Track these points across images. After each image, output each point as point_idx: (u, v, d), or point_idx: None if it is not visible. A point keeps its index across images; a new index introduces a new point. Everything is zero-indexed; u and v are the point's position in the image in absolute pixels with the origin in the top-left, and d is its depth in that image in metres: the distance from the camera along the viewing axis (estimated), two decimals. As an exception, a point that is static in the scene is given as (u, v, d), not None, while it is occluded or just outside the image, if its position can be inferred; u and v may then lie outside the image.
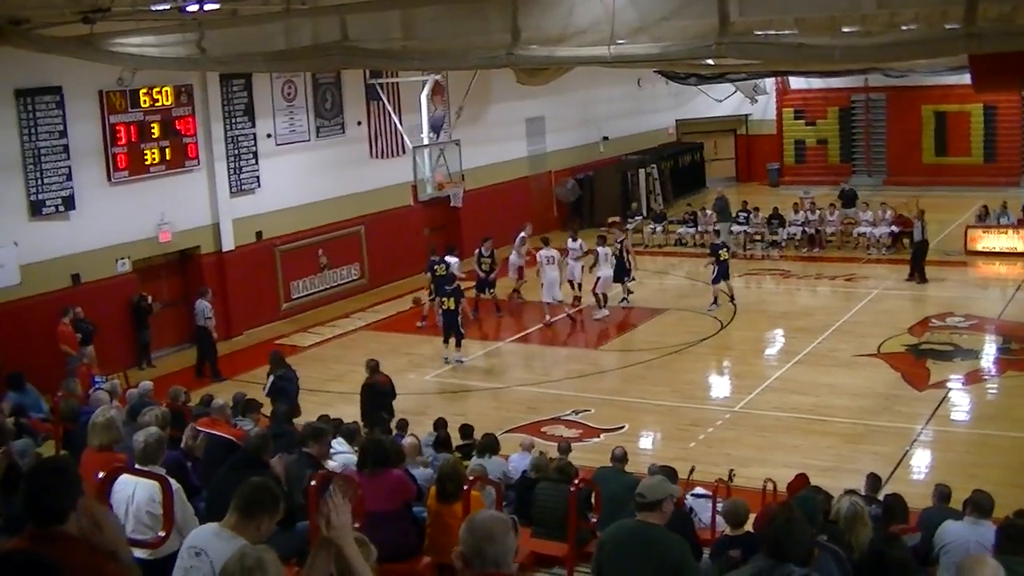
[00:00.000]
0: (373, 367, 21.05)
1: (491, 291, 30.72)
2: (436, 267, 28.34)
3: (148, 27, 20.63)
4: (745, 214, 38.99)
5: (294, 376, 20.77)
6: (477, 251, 30.78)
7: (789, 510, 6.62)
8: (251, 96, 30.08)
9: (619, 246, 30.55)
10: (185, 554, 6.44)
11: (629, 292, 30.96)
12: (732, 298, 30.48)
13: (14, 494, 9.02)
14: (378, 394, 20.60)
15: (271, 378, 20.43)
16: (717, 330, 28.30)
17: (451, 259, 29.55)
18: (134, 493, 8.15)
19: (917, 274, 32.10)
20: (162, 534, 7.33)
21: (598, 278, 29.96)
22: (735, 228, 38.35)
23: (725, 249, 31.29)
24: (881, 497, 14.42)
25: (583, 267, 31.20)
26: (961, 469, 18.37)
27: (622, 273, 30.53)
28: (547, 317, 29.43)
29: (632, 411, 22.95)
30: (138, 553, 6.99)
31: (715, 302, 30.22)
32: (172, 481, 8.22)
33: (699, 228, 39.19)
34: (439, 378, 25.69)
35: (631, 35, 15.53)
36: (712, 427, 21.75)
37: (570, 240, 31.96)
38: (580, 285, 31.07)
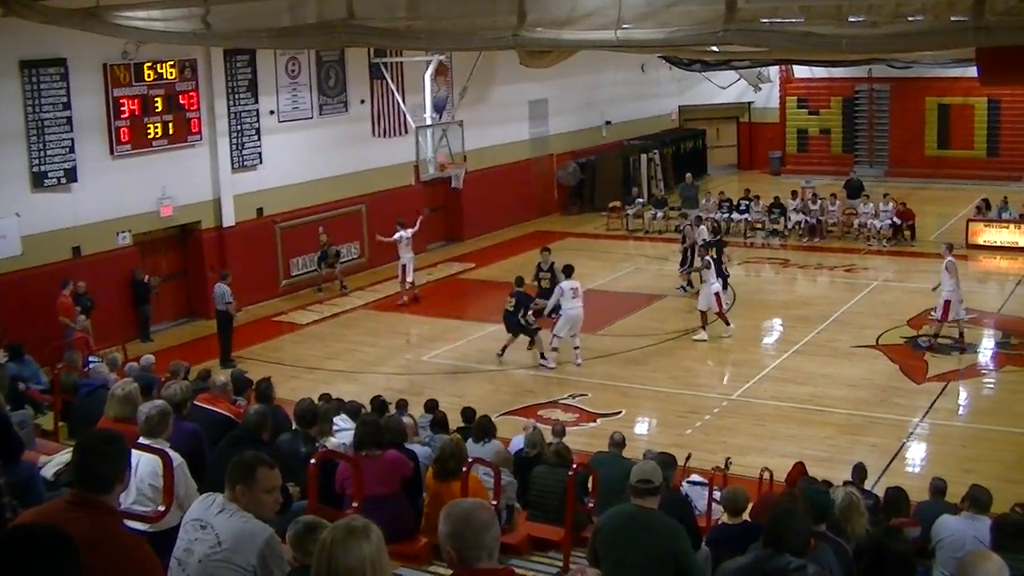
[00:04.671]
0: None
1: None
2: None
3: (154, 0, 20.58)
4: (746, 202, 38.88)
5: None
6: (537, 264, 27.07)
7: (791, 500, 6.64)
8: (255, 72, 30.06)
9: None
10: (189, 526, 6.44)
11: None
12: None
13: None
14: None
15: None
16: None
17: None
18: (138, 465, 8.15)
19: None
20: (162, 508, 7.32)
21: (716, 294, 26.62)
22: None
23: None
24: (869, 487, 14.47)
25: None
26: (957, 463, 18.40)
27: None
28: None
29: (629, 396, 22.95)
30: (138, 526, 6.99)
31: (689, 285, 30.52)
32: (175, 455, 8.23)
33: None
34: (436, 359, 25.68)
35: (637, 20, 15.50)
36: (709, 415, 21.75)
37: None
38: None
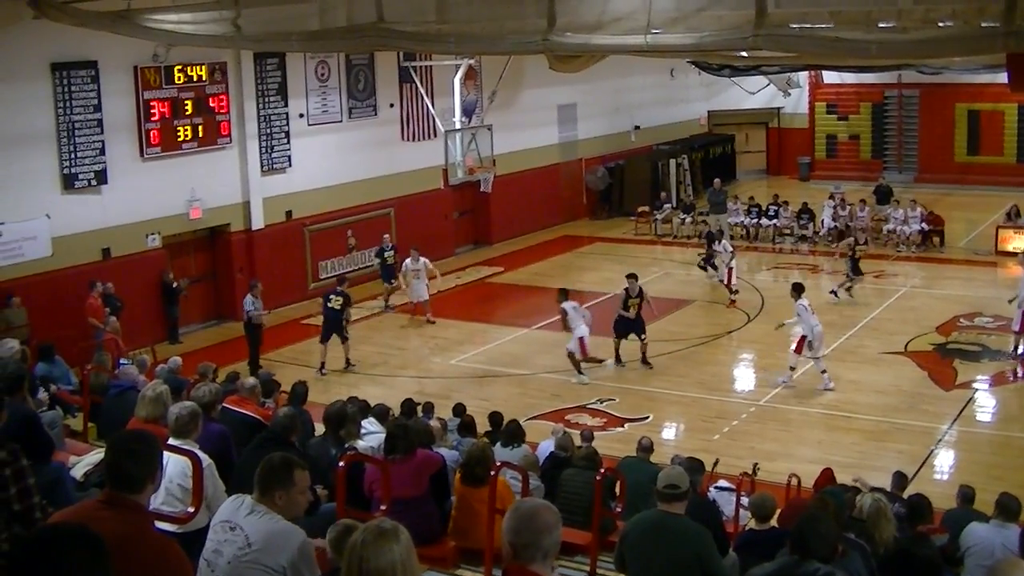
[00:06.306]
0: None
1: (642, 337, 25.08)
2: (386, 254, 26.02)
3: (185, 3, 20.63)
4: (775, 207, 38.79)
5: None
6: (625, 290, 25.19)
7: (819, 506, 6.62)
8: (284, 75, 30.15)
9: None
10: (218, 528, 6.47)
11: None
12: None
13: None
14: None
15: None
16: (743, 323, 28.22)
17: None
18: (167, 466, 8.19)
19: None
20: (191, 509, 7.35)
21: (581, 338, 24.37)
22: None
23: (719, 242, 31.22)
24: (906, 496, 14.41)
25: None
26: (985, 470, 18.32)
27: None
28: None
29: (657, 401, 22.93)
30: (166, 527, 7.02)
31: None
32: (203, 456, 8.27)
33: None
34: (464, 363, 25.70)
35: (667, 24, 15.49)
36: (736, 420, 21.73)
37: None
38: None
